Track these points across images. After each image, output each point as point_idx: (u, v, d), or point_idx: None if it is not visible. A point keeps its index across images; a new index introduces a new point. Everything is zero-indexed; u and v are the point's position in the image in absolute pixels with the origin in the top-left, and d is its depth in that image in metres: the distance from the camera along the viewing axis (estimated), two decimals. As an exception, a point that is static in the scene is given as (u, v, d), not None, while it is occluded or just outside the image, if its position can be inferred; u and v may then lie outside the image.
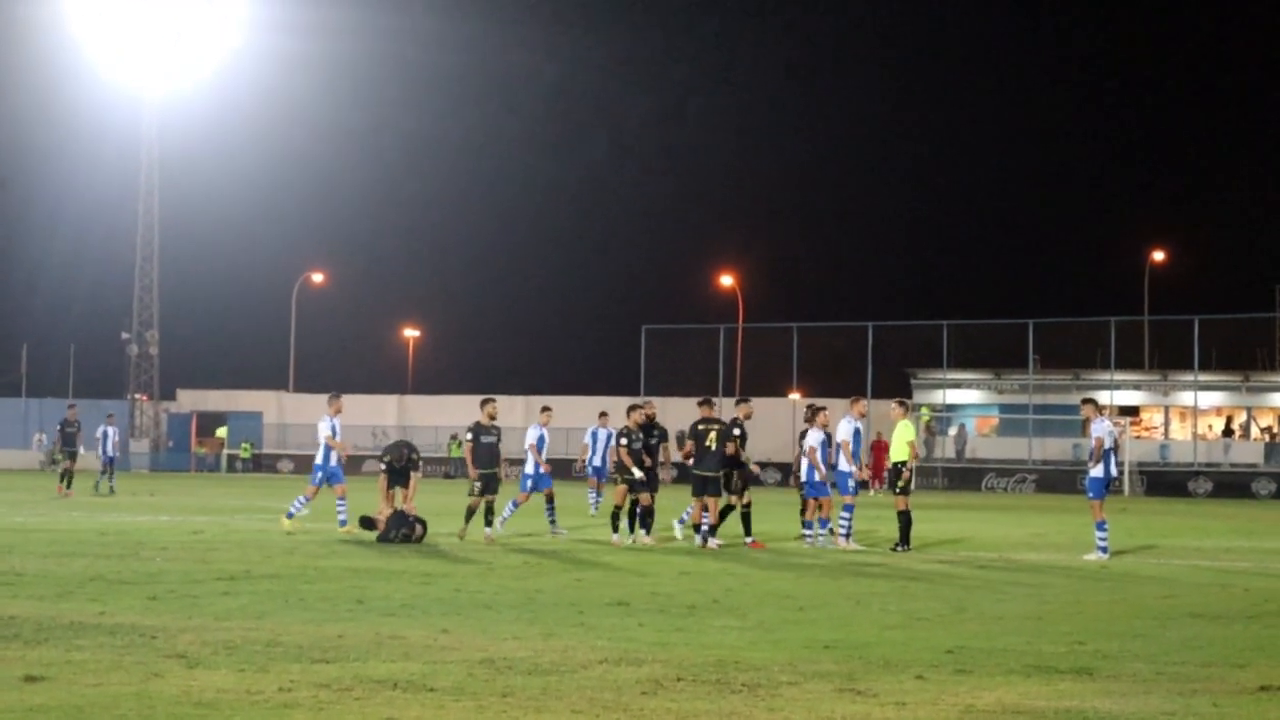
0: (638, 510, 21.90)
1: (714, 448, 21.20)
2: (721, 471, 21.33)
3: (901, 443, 21.73)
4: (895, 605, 14.05)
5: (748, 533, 21.59)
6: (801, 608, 13.72)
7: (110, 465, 38.30)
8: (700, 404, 22.26)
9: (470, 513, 21.86)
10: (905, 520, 21.27)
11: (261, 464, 71.95)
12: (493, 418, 22.26)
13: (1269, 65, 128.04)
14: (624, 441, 22.05)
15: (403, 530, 21.09)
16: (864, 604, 14.15)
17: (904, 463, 21.61)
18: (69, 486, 36.01)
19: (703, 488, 21.23)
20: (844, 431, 22.08)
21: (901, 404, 22.56)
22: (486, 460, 22.00)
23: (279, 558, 18.21)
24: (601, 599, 14.10)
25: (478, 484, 21.84)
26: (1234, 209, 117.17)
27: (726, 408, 25.37)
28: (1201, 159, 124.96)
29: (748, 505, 21.79)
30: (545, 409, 25.39)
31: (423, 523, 21.54)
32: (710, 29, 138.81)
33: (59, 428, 38.76)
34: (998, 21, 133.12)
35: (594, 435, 28.84)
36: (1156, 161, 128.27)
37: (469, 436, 22.17)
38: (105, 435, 38.43)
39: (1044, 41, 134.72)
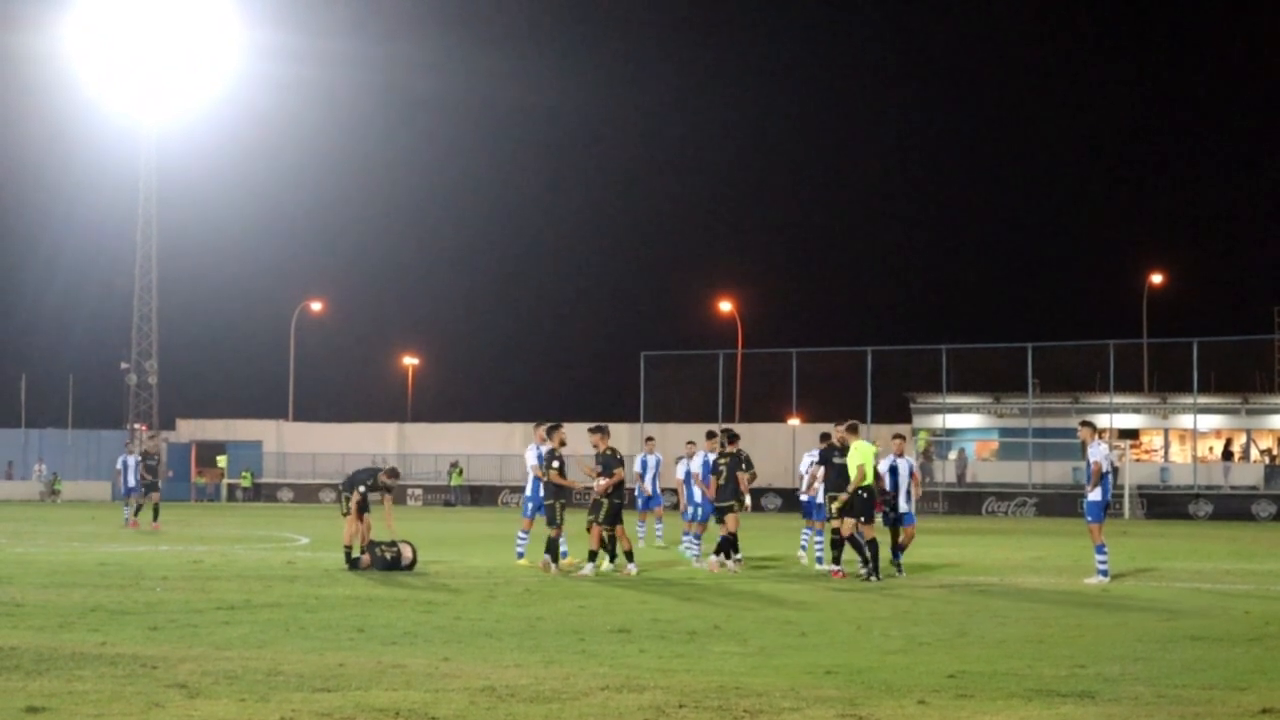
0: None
1: (725, 479, 22.04)
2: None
3: (854, 465, 20.23)
4: (896, 630, 14.05)
5: (865, 562, 20.17)
6: (803, 633, 13.72)
7: (130, 495, 37.67)
8: (709, 436, 23.04)
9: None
10: (855, 544, 20.00)
11: (262, 493, 71.95)
12: (563, 444, 21.99)
13: (1267, 87, 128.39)
14: (743, 468, 22.31)
15: (383, 545, 21.12)
16: (865, 629, 14.14)
17: (865, 487, 20.37)
18: (155, 519, 35.61)
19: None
20: (696, 463, 23.21)
21: (852, 427, 20.88)
22: (565, 490, 21.70)
23: (279, 586, 18.21)
24: (603, 626, 14.10)
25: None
26: (1232, 231, 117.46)
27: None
28: (1199, 181, 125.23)
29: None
30: (650, 439, 28.98)
31: (411, 546, 21.48)
32: (707, 54, 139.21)
33: (140, 459, 37.34)
34: (995, 45, 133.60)
35: (643, 463, 28.70)
36: (1154, 184, 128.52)
37: (556, 465, 21.45)
38: (126, 465, 37.87)
39: (1041, 64, 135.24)
